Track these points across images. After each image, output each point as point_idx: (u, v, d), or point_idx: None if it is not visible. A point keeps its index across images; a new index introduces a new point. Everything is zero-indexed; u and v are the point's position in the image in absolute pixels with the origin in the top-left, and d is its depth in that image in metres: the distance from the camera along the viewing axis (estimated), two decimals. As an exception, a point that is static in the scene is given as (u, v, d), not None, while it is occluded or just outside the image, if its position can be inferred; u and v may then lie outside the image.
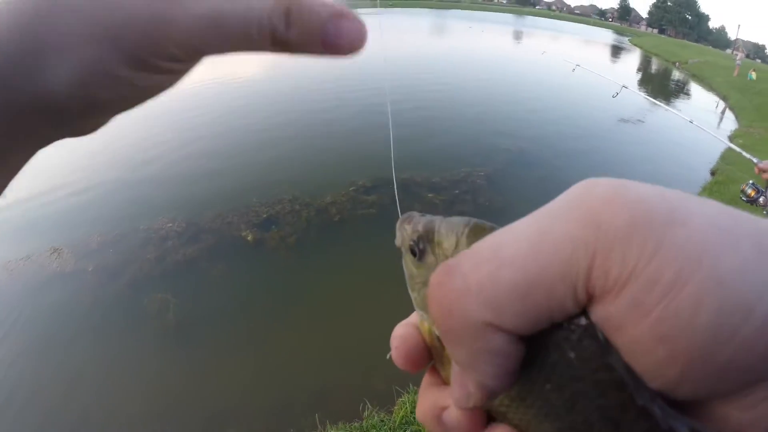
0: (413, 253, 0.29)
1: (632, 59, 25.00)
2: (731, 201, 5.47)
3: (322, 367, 2.99)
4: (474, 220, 0.27)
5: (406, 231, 0.31)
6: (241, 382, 2.92)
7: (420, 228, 0.29)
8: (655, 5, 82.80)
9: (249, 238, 4.33)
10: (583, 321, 0.20)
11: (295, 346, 3.19)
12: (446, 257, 0.27)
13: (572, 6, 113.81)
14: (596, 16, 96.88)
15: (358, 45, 0.27)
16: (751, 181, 2.73)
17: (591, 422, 0.21)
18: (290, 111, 8.13)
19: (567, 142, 7.55)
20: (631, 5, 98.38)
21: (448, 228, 0.28)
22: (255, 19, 0.24)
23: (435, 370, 0.30)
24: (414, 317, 0.31)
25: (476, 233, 0.25)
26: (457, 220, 0.27)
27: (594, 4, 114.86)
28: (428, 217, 0.30)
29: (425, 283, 0.28)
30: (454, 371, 0.24)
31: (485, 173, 5.83)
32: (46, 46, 0.22)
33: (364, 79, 9.21)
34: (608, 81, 4.92)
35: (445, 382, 0.29)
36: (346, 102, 8.43)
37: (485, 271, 0.21)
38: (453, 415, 0.26)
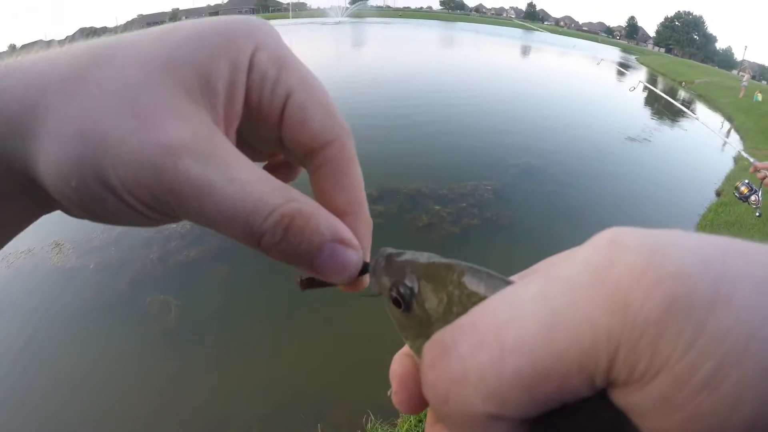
0: (397, 305, 0.25)
1: (640, 78, 25.12)
2: (737, 221, 5.45)
3: (325, 376, 2.96)
4: (462, 265, 0.23)
5: (383, 279, 0.26)
6: (242, 389, 2.88)
7: (400, 275, 0.25)
8: (662, 24, 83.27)
9: (253, 241, 4.29)
10: (606, 410, 0.17)
11: (298, 353, 3.16)
12: (437, 312, 0.23)
13: (580, 23, 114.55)
14: (604, 34, 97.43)
15: (345, 278, 0.25)
16: (746, 180, 2.92)
17: None
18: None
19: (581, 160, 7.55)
20: (639, 24, 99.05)
21: (434, 276, 0.24)
22: (255, 218, 0.22)
23: None
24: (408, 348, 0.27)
25: (471, 285, 0.22)
26: (442, 266, 0.24)
27: (602, 21, 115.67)
28: (404, 259, 0.26)
29: (419, 335, 0.24)
30: None
31: (492, 187, 5.82)
32: (37, 131, 0.21)
33: (373, 92, 9.22)
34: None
35: None
36: (352, 115, 8.44)
37: (487, 357, 0.18)
38: None
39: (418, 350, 0.25)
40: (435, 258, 0.25)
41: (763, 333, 0.14)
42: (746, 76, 21.12)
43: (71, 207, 0.22)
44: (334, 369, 3.02)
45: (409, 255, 0.26)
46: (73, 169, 0.20)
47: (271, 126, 0.25)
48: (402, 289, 0.25)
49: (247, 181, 0.22)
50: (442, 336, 0.20)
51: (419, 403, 0.25)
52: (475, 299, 0.21)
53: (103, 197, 0.21)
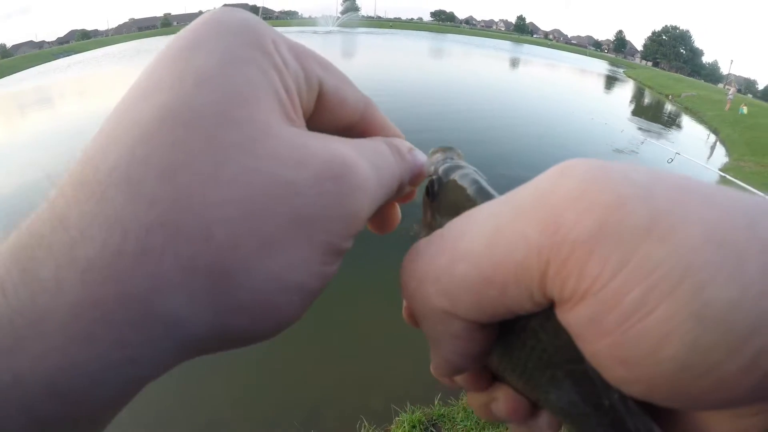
0: (427, 193, 0.29)
1: (627, 91, 25.47)
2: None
3: (317, 381, 2.96)
4: (478, 184, 0.26)
5: (429, 167, 0.30)
6: (233, 394, 2.87)
7: (440, 172, 0.28)
8: (650, 38, 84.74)
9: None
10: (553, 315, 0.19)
11: (290, 359, 3.16)
12: (442, 210, 0.27)
13: (569, 36, 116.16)
14: (592, 47, 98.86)
15: (423, 177, 0.28)
16: None
17: (574, 402, 0.21)
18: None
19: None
20: (627, 38, 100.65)
21: (450, 184, 0.27)
22: (398, 168, 0.25)
23: None
24: None
25: (465, 199, 0.25)
26: (460, 176, 0.27)
27: (590, 35, 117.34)
28: (452, 163, 0.29)
29: (426, 226, 0.29)
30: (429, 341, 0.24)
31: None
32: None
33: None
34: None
35: None
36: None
37: (443, 261, 0.20)
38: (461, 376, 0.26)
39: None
40: (466, 171, 0.28)
41: (703, 274, 0.14)
42: (732, 90, 21.47)
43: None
44: (327, 375, 3.02)
45: (454, 162, 0.29)
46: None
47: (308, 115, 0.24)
48: (435, 185, 0.28)
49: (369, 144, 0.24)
50: (420, 242, 0.23)
51: None
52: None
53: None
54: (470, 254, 0.19)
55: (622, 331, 0.15)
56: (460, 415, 2.43)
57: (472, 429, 2.33)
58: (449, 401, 2.58)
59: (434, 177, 0.29)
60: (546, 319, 0.20)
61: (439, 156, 0.30)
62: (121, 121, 0.17)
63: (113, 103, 0.19)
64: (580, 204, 0.16)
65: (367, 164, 0.21)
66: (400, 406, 2.55)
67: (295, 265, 0.18)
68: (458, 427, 2.37)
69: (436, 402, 2.56)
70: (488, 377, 0.26)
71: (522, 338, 0.22)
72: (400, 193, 0.26)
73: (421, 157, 0.28)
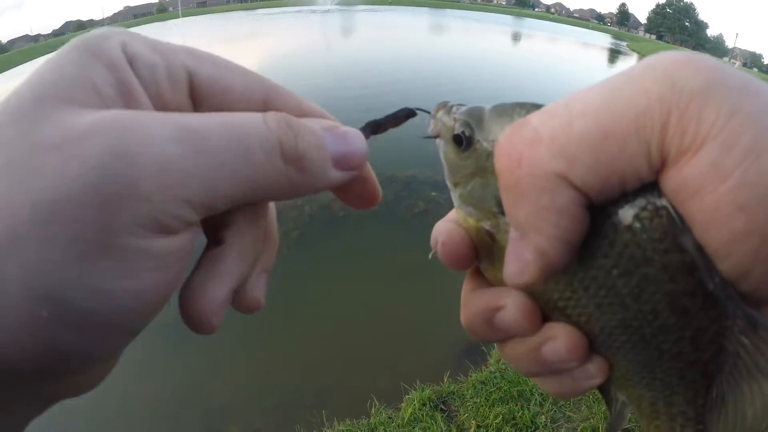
0: (458, 143, 0.27)
1: (631, 64, 25.14)
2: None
3: (327, 364, 2.98)
4: (528, 102, 0.25)
5: (445, 119, 0.28)
6: (244, 378, 2.90)
7: (465, 115, 0.27)
8: (654, 11, 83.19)
9: (251, 231, 4.29)
10: (654, 196, 0.19)
11: (300, 342, 3.18)
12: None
13: (571, 9, 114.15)
14: (595, 21, 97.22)
15: (361, 156, 0.24)
16: None
17: (658, 311, 0.20)
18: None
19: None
20: (630, 11, 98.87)
21: (500, 112, 0.26)
22: (250, 127, 0.20)
23: (477, 275, 0.29)
24: (453, 215, 0.29)
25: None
26: (509, 105, 0.26)
27: (593, 8, 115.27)
28: (470, 105, 0.28)
29: (474, 174, 0.26)
30: (512, 241, 0.23)
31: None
32: None
33: (366, 77, 9.14)
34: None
35: (493, 284, 0.28)
36: (349, 101, 8.40)
37: (557, 122, 0.20)
38: (507, 315, 0.25)
39: (467, 196, 0.27)
40: (497, 104, 0.27)
41: None
42: (737, 64, 21.23)
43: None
44: (337, 356, 3.05)
45: (470, 105, 0.28)
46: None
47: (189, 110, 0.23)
48: (465, 128, 0.27)
49: (226, 117, 0.21)
50: (517, 121, 0.22)
51: (464, 254, 0.27)
52: None
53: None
54: (588, 110, 0.19)
55: (742, 171, 0.17)
56: (469, 392, 2.45)
57: (482, 405, 2.35)
58: (458, 378, 2.60)
59: (457, 125, 0.27)
60: (643, 207, 0.20)
61: (442, 113, 0.29)
62: None
63: None
64: (689, 66, 0.18)
65: (161, 132, 0.18)
66: (410, 384, 2.57)
67: (31, 264, 0.16)
68: (468, 403, 2.38)
69: (445, 379, 2.58)
70: (540, 317, 0.25)
71: (612, 236, 0.21)
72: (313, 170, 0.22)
73: (350, 132, 0.24)
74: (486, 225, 0.26)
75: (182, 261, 0.20)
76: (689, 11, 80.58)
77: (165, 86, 0.21)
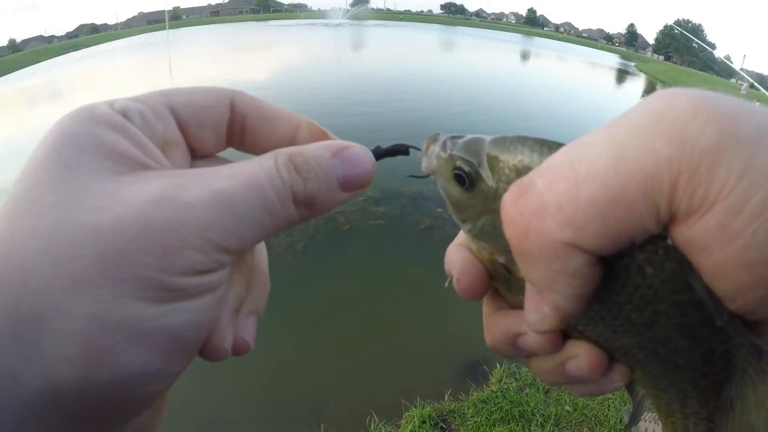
0: (461, 182, 0.26)
1: (639, 84, 25.21)
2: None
3: (327, 377, 2.96)
4: (530, 137, 0.24)
5: (440, 156, 0.27)
6: (242, 390, 2.88)
7: (464, 151, 0.26)
8: (662, 32, 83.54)
9: (256, 242, 4.29)
10: (664, 242, 0.19)
11: (300, 354, 3.16)
12: (507, 182, 0.24)
13: (580, 29, 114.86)
14: (603, 41, 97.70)
15: (368, 177, 0.26)
16: None
17: (670, 337, 0.21)
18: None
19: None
20: (638, 31, 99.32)
21: (502, 148, 0.24)
22: (267, 181, 0.23)
23: (496, 296, 0.29)
24: (462, 238, 0.29)
25: (542, 151, 0.23)
26: (509, 140, 0.25)
27: (602, 28, 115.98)
28: (467, 138, 0.26)
29: (482, 213, 0.26)
30: (529, 294, 0.23)
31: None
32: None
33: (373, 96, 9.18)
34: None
35: (512, 307, 0.28)
36: (356, 116, 8.46)
37: (563, 187, 0.20)
38: (530, 339, 0.26)
39: (478, 232, 0.26)
40: (498, 137, 0.26)
41: None
42: (745, 85, 21.22)
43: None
44: (338, 369, 3.03)
45: (468, 136, 0.27)
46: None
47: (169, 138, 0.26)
48: (465, 166, 0.25)
49: (240, 169, 0.23)
50: (520, 180, 0.22)
51: (481, 288, 0.28)
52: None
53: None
54: (595, 174, 0.19)
55: (750, 233, 0.16)
56: (470, 410, 2.42)
57: (483, 425, 2.32)
58: (459, 396, 2.58)
59: (457, 163, 0.26)
60: (653, 252, 0.20)
61: (435, 147, 0.28)
62: None
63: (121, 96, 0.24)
64: (700, 117, 0.17)
65: (199, 196, 0.21)
66: (410, 401, 2.55)
67: (105, 301, 0.19)
68: (468, 422, 2.36)
69: (446, 397, 2.55)
70: (562, 336, 0.26)
71: (624, 278, 0.21)
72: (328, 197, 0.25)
73: (358, 153, 0.26)
74: (500, 259, 0.26)
75: (222, 289, 0.24)
76: (697, 32, 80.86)
77: (158, 126, 0.24)
